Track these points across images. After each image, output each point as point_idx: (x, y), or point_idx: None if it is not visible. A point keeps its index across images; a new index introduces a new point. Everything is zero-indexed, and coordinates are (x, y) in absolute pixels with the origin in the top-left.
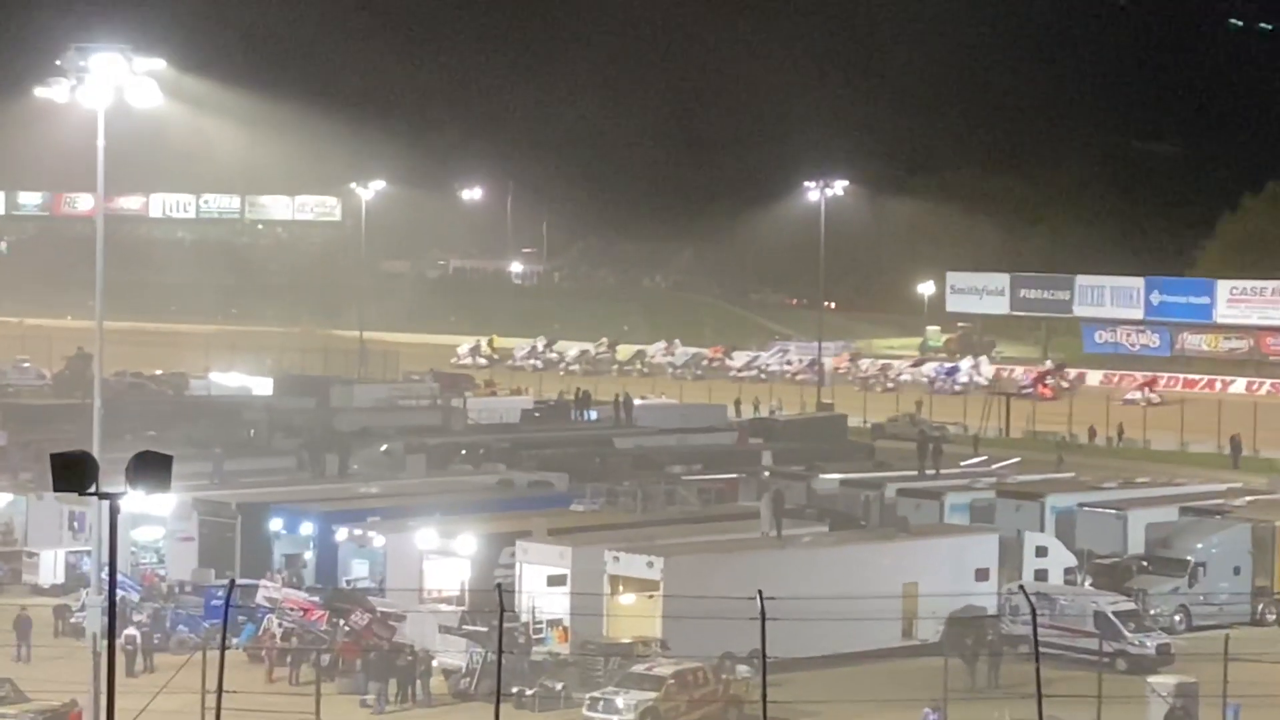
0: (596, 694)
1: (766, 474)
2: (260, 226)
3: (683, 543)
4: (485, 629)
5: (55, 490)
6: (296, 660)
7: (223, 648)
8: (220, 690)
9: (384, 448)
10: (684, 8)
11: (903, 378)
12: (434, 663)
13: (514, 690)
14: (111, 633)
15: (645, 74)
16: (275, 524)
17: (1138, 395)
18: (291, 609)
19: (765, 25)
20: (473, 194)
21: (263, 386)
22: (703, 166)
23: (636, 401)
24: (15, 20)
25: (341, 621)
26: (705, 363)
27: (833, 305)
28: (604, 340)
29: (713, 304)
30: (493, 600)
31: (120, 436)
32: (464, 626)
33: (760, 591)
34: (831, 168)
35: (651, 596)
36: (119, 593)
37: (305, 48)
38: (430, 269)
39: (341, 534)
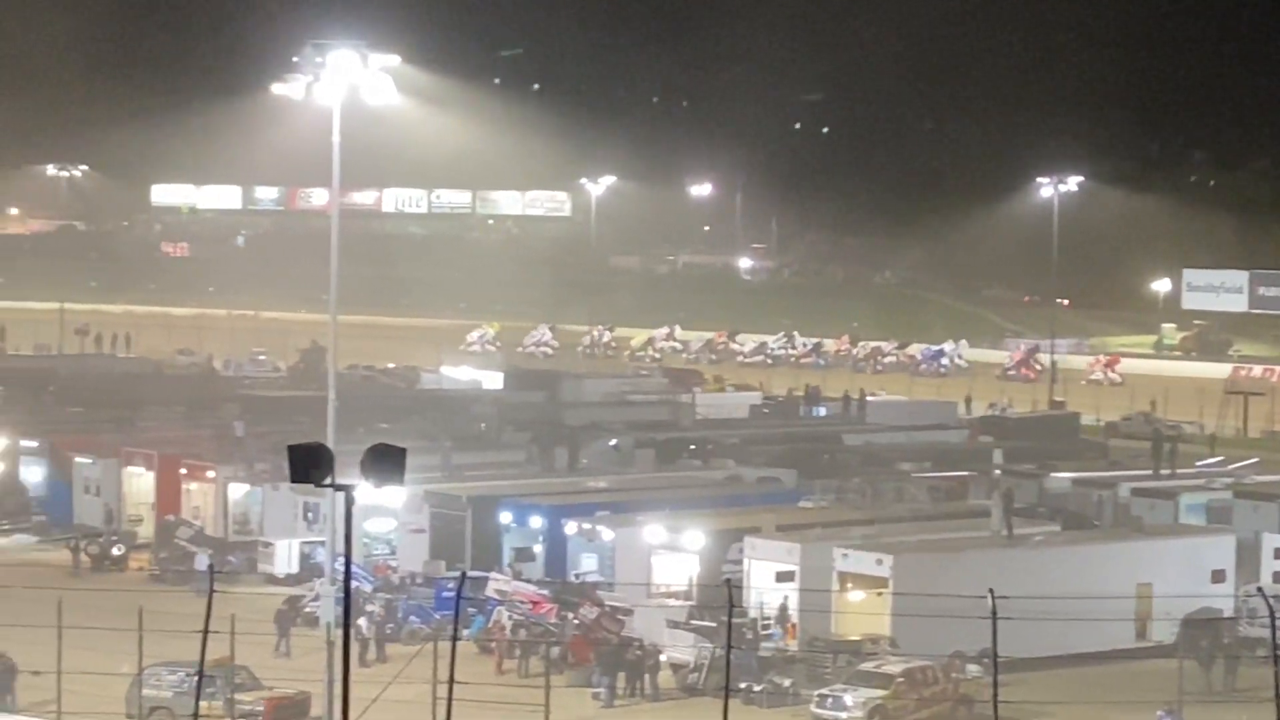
0: (825, 691)
1: (997, 472)
2: (491, 221)
3: (912, 540)
4: (714, 624)
5: (292, 481)
6: (526, 653)
7: (454, 639)
8: (451, 681)
9: (613, 442)
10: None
11: (888, 359)
12: (662, 657)
13: (742, 686)
14: (346, 622)
15: (876, 68)
16: (505, 517)
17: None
18: (521, 602)
19: (999, 18)
20: (702, 189)
21: (493, 380)
22: (934, 161)
23: (868, 398)
24: (254, 18)
25: (571, 615)
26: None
27: (1066, 302)
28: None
29: (942, 301)
30: (721, 595)
31: (353, 429)
32: (692, 621)
33: (991, 590)
34: (1065, 163)
35: (880, 594)
36: (352, 583)
37: (538, 44)
38: (659, 264)
39: (571, 528)
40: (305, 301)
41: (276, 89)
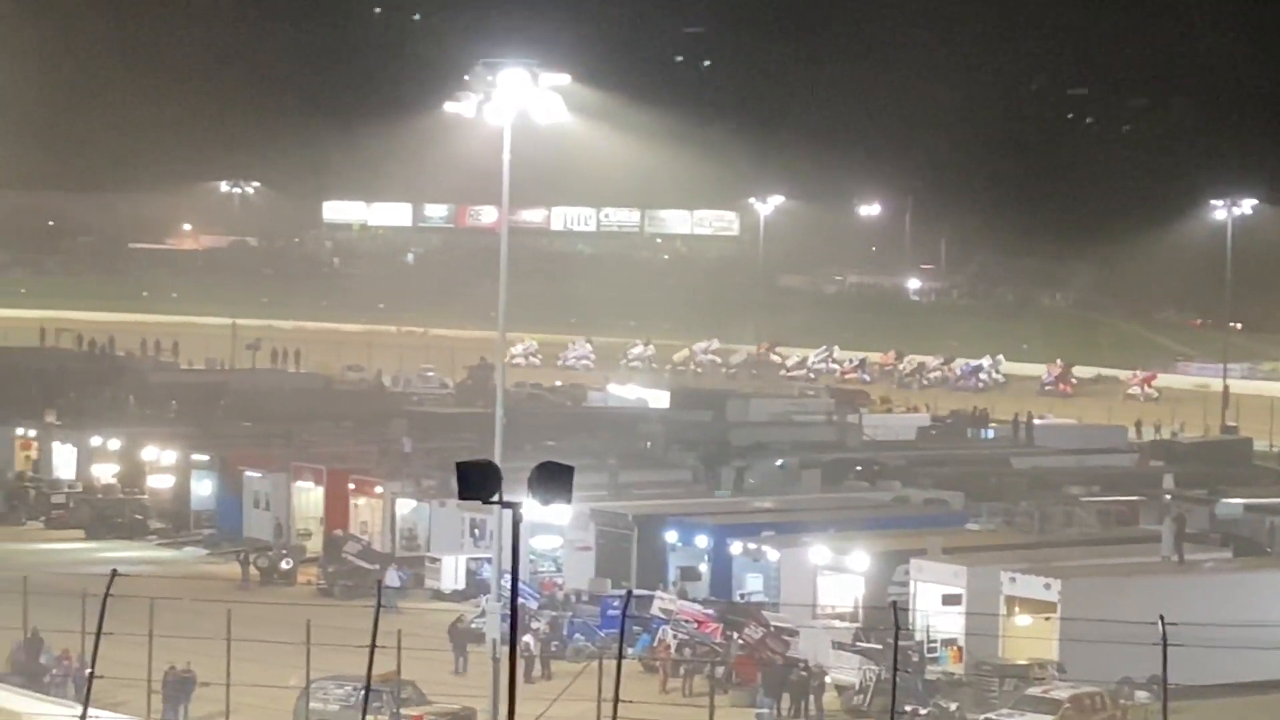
0: (991, 716)
1: (1168, 497)
2: (659, 240)
3: (1081, 565)
4: (879, 646)
5: (461, 498)
6: (690, 672)
7: (619, 657)
8: (616, 699)
9: (779, 462)
10: (1085, 17)
11: (933, 374)
12: (827, 679)
13: (907, 709)
14: (513, 639)
15: (1046, 89)
16: (671, 536)
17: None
18: (686, 620)
19: (1175, 44)
20: (871, 209)
21: (659, 399)
22: (1105, 182)
23: (1036, 421)
24: (427, 38)
25: (736, 634)
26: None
27: (1239, 326)
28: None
29: (1113, 323)
30: (886, 618)
31: (520, 446)
32: (858, 643)
33: (1161, 617)
34: (1240, 185)
35: (1048, 618)
36: (518, 600)
37: (705, 64)
38: (827, 284)
39: (736, 547)
40: (473, 319)
41: (448, 107)
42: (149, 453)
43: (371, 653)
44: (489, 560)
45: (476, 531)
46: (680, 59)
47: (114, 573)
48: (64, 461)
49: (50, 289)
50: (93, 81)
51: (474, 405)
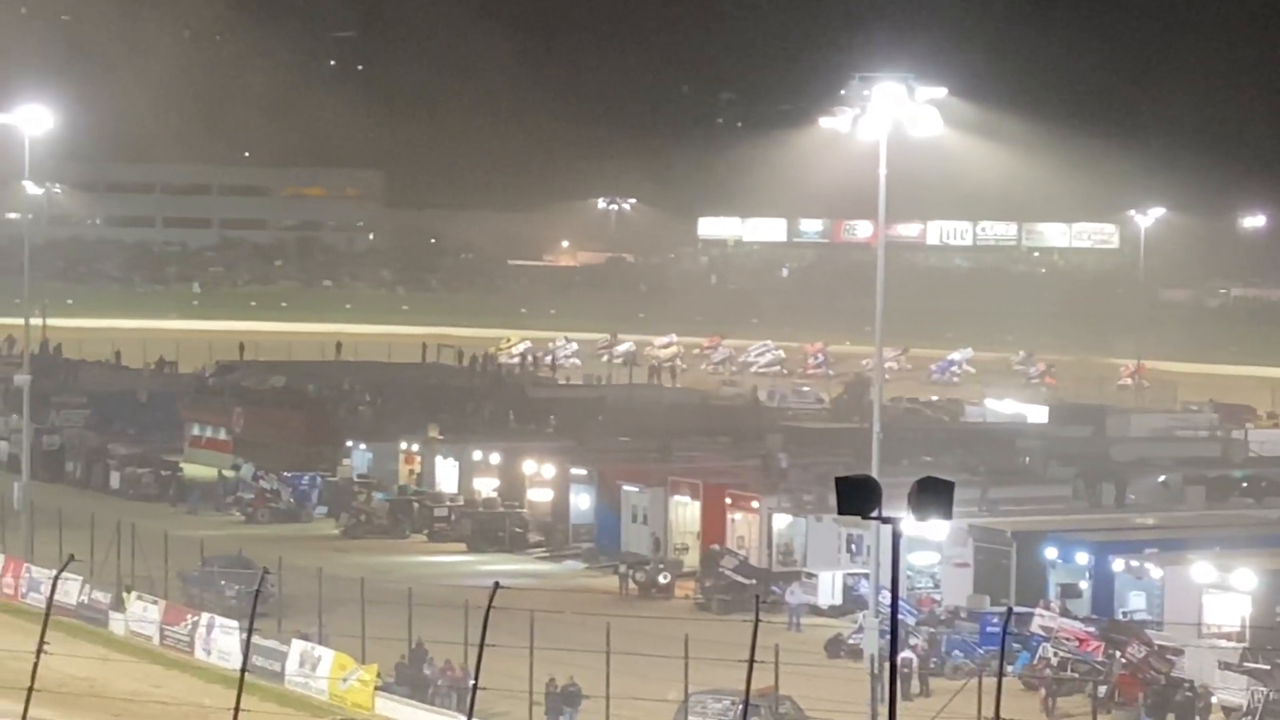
0: None
1: None
2: (1036, 254)
3: None
4: (1268, 667)
5: (840, 513)
6: (1071, 691)
7: (1000, 675)
8: (997, 717)
9: (1161, 478)
10: None
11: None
12: (1213, 699)
13: None
14: (893, 655)
15: None
16: (1050, 552)
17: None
18: (1067, 638)
19: None
20: (1255, 220)
21: (1037, 414)
22: None
23: None
24: (801, 54)
25: (1118, 653)
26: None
27: None
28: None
29: None
30: (1275, 638)
31: (896, 461)
32: (1245, 664)
33: None
34: None
35: None
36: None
37: (1087, 75)
38: (1210, 298)
39: (1118, 564)
40: (849, 333)
41: (824, 122)
42: (528, 466)
43: (750, 667)
44: (866, 576)
45: (853, 547)
46: (1056, 70)
47: (496, 585)
48: (446, 475)
49: (432, 305)
50: (475, 105)
51: (850, 420)
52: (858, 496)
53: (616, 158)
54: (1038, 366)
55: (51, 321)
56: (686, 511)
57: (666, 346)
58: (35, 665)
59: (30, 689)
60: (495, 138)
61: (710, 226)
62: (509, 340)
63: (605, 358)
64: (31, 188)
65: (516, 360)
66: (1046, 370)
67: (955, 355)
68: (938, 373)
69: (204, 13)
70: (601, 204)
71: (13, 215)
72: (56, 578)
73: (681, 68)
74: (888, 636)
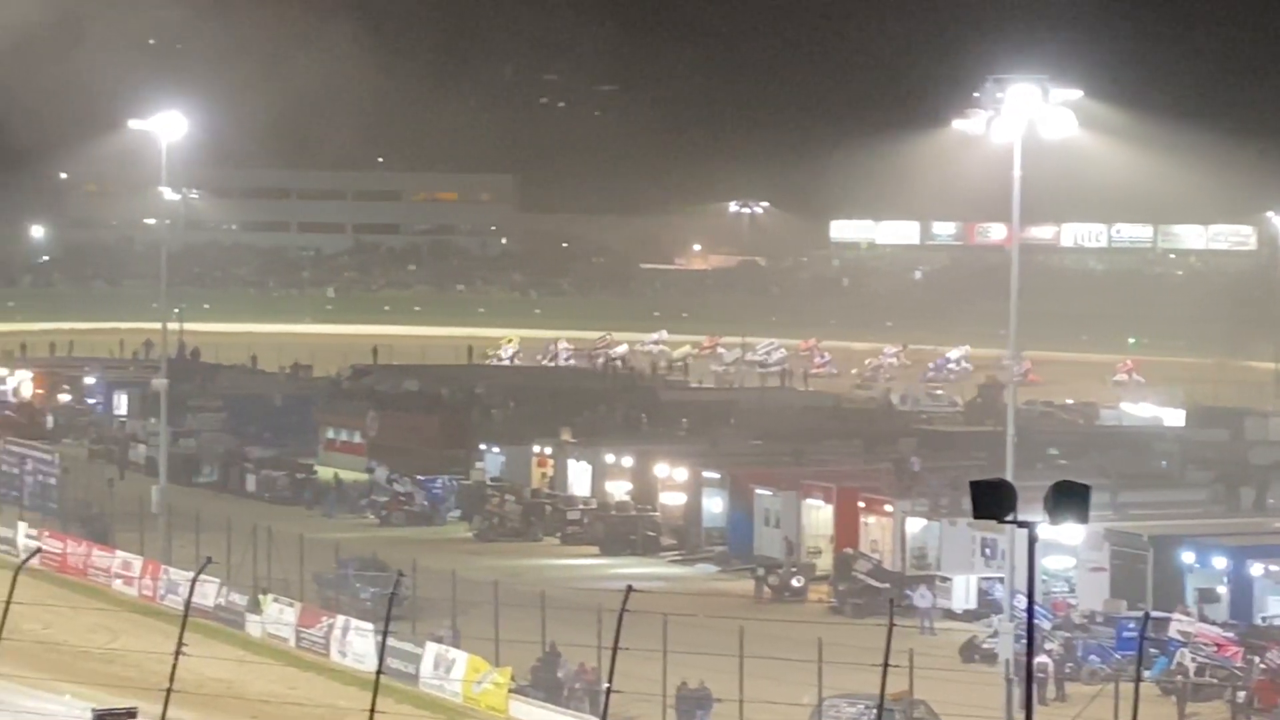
0: None
1: None
2: (1172, 256)
3: None
4: None
5: (975, 517)
6: (1209, 696)
7: (1137, 680)
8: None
9: None
10: None
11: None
12: None
13: None
14: (1029, 660)
15: None
16: (1187, 557)
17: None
18: (1205, 644)
19: None
20: None
21: (1174, 418)
22: None
23: None
24: (935, 55)
25: (1257, 659)
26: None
27: None
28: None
29: None
30: None
31: (1031, 465)
32: None
33: None
34: None
35: None
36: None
37: (1222, 74)
38: None
39: (1257, 569)
40: (983, 337)
41: (957, 124)
42: (661, 470)
43: (884, 671)
44: (1000, 580)
45: (988, 551)
46: (1191, 70)
47: (629, 589)
48: (579, 478)
49: (564, 309)
50: (607, 109)
51: (983, 423)
52: (993, 500)
53: (748, 161)
54: (1023, 365)
55: (189, 326)
56: (819, 515)
57: (659, 343)
58: (174, 666)
59: (169, 690)
60: (627, 141)
61: (843, 229)
62: (509, 340)
63: (602, 359)
64: (168, 193)
65: (507, 361)
66: (1030, 370)
67: (952, 353)
68: (934, 370)
69: (338, 19)
70: (734, 207)
71: (150, 221)
72: (194, 580)
73: (813, 71)
74: (1023, 641)
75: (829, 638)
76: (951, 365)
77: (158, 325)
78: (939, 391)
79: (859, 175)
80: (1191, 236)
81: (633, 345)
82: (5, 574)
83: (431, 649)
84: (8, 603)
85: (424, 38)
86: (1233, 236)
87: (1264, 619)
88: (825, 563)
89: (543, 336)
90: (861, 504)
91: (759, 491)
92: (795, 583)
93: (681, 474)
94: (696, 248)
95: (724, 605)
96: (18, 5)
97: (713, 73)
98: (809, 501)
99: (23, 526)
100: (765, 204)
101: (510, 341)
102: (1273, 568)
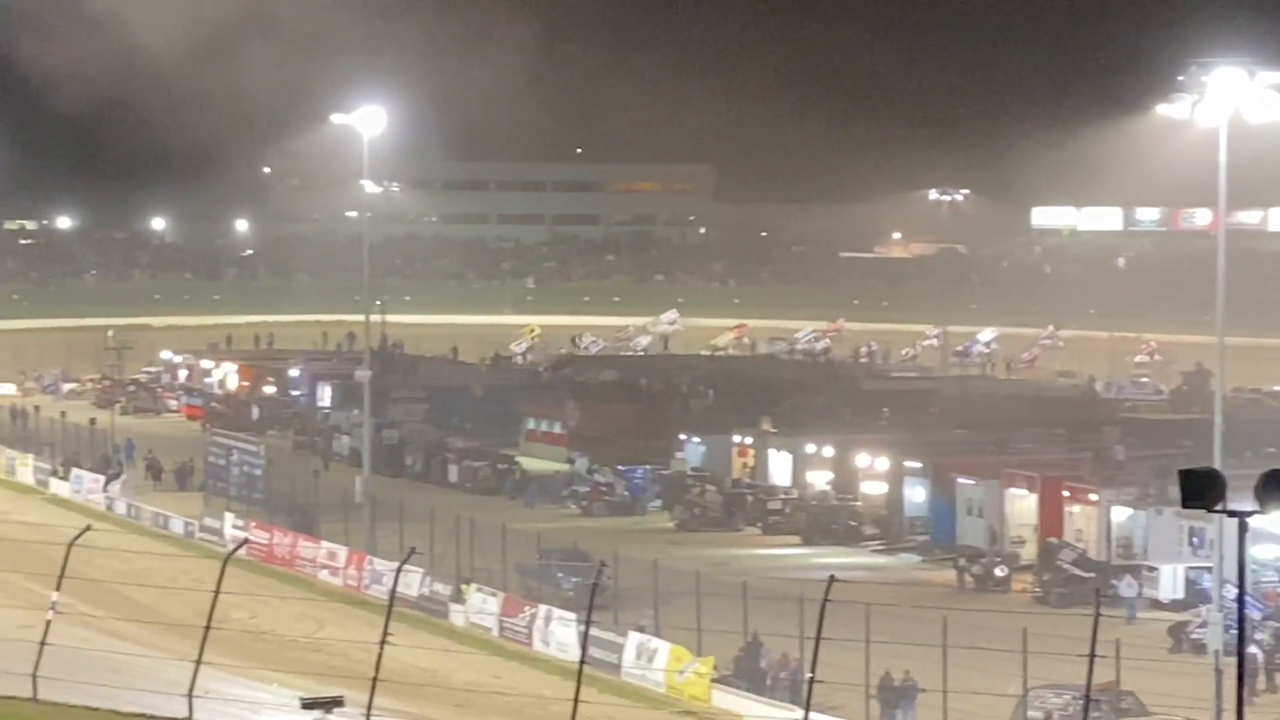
0: None
1: None
2: None
3: None
4: None
5: (1183, 506)
6: None
7: None
8: None
9: None
10: None
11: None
12: None
13: None
14: (1241, 651)
15: None
16: None
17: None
18: None
19: None
20: None
21: None
22: None
23: None
24: (1138, 40)
25: None
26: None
27: None
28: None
29: None
30: None
31: (1238, 453)
32: None
33: None
34: None
35: None
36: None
37: None
38: None
39: None
40: (1188, 323)
41: (1161, 109)
42: (862, 459)
43: (1091, 662)
44: (1208, 569)
45: (1195, 540)
46: None
47: (831, 578)
48: (779, 468)
49: (763, 298)
50: (805, 98)
51: (1190, 411)
52: (1201, 489)
53: (948, 148)
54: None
55: (390, 318)
56: (1023, 504)
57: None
58: (379, 656)
59: (375, 679)
60: (825, 130)
61: (1044, 216)
62: (531, 329)
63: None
64: (370, 187)
65: (521, 354)
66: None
67: (982, 335)
68: (963, 352)
69: (537, 11)
70: (933, 195)
71: (352, 214)
72: (399, 570)
73: (1013, 57)
74: (1233, 631)
75: (1033, 628)
76: (980, 347)
77: (360, 317)
78: (1144, 379)
79: (1060, 161)
80: None
81: (649, 329)
82: (214, 564)
83: (634, 639)
84: (216, 592)
85: (623, 30)
86: None
87: None
88: (1029, 552)
89: (565, 327)
90: (1066, 493)
91: (961, 481)
92: (999, 572)
93: (883, 463)
94: (896, 236)
95: (926, 595)
96: (222, 5)
97: (910, 61)
98: (1012, 491)
99: (229, 517)
100: (965, 191)
101: (532, 332)
102: None
